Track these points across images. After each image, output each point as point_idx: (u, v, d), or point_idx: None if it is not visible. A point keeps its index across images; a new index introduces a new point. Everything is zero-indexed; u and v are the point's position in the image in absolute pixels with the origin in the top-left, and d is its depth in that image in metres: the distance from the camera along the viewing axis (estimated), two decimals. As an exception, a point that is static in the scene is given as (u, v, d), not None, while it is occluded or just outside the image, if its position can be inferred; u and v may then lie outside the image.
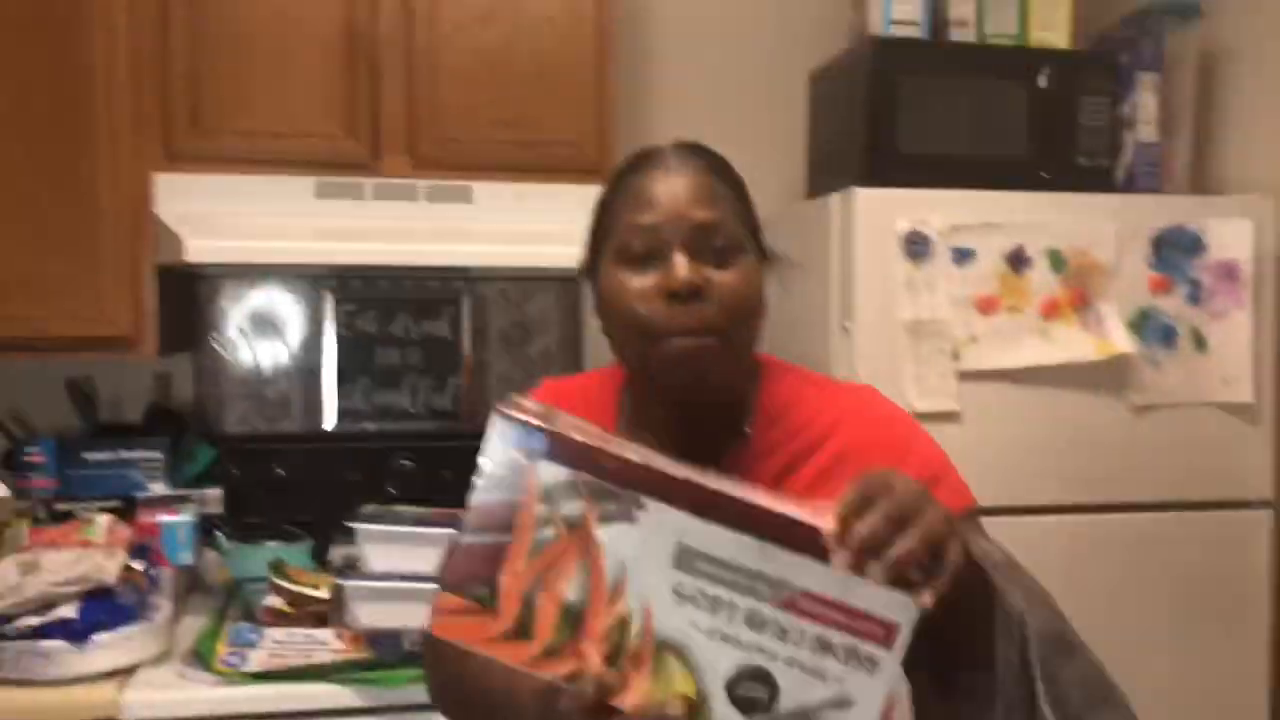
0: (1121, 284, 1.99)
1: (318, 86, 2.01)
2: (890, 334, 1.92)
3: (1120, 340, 1.96)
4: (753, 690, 0.72)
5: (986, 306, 1.94)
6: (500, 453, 0.73)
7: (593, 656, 0.72)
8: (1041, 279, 1.96)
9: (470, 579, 0.74)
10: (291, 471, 2.29)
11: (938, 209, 1.94)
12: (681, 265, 0.98)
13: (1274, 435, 2.05)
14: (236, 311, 2.37)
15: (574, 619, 0.72)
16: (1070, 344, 1.96)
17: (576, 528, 0.73)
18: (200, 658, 1.72)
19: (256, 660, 1.68)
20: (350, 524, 1.74)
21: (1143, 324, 2.00)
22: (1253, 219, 2.03)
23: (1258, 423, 2.04)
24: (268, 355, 2.39)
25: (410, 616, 1.70)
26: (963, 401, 1.93)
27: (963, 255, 1.93)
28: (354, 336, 2.43)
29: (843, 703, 0.71)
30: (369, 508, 1.82)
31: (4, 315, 1.90)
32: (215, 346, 2.37)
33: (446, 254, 2.04)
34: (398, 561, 1.72)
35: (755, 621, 0.72)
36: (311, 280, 2.40)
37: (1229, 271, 2.01)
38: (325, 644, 1.71)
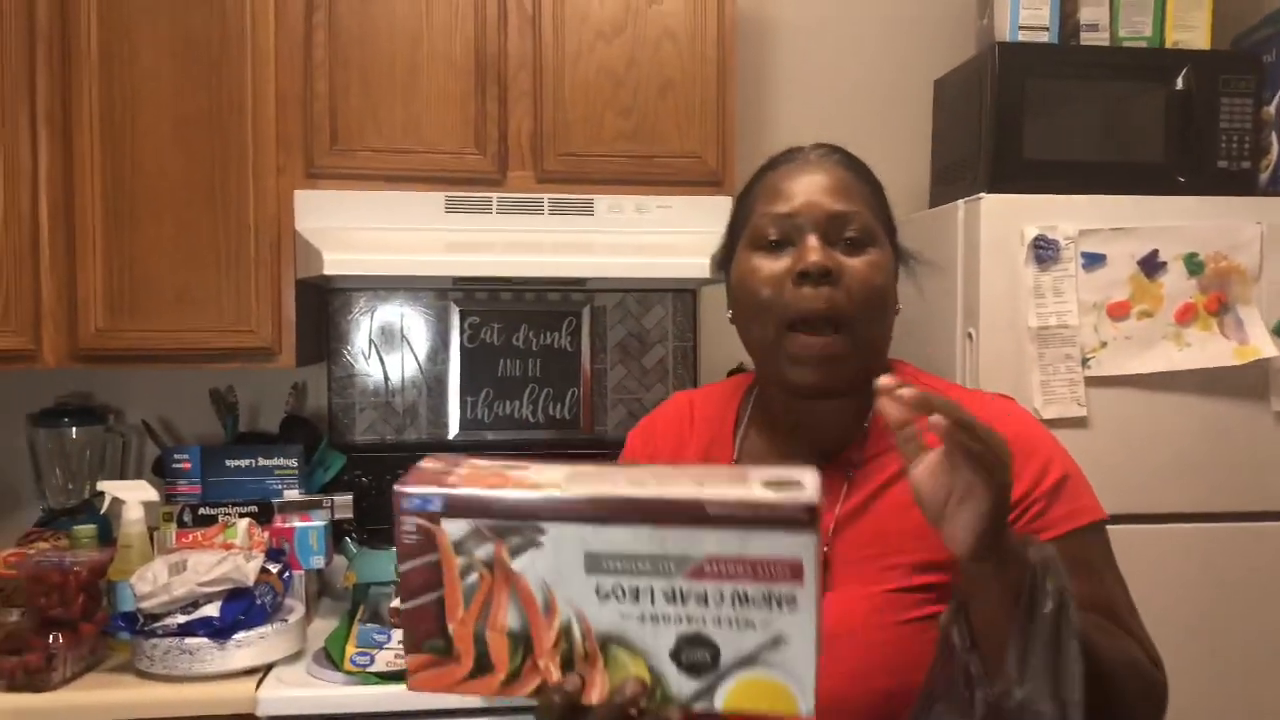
0: (1264, 289, 1.92)
1: (448, 105, 2.08)
2: (1016, 340, 1.88)
3: (1262, 345, 1.89)
4: (695, 655, 0.78)
5: (1117, 311, 1.89)
6: (409, 524, 0.79)
7: (550, 669, 0.79)
8: (1176, 283, 1.90)
9: (426, 636, 0.80)
10: (418, 479, 2.34)
11: (1066, 214, 1.89)
12: (814, 248, 0.99)
13: None
14: (367, 324, 2.46)
15: (522, 642, 0.79)
16: (1207, 349, 1.90)
17: (494, 567, 0.79)
18: (330, 657, 1.78)
19: (383, 660, 1.73)
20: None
21: (1287, 330, 1.92)
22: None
23: None
24: (396, 366, 2.47)
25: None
26: (1092, 408, 1.89)
27: (1092, 260, 1.88)
28: (478, 348, 2.49)
29: (777, 641, 0.77)
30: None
31: (159, 327, 2.01)
32: (347, 358, 2.46)
33: (568, 265, 2.07)
34: (518, 566, 1.74)
35: (675, 596, 0.78)
36: (438, 293, 2.48)
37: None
38: (450, 645, 1.74)
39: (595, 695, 0.78)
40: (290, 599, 1.91)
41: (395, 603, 1.82)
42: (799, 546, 0.75)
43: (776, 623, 0.77)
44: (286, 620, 1.82)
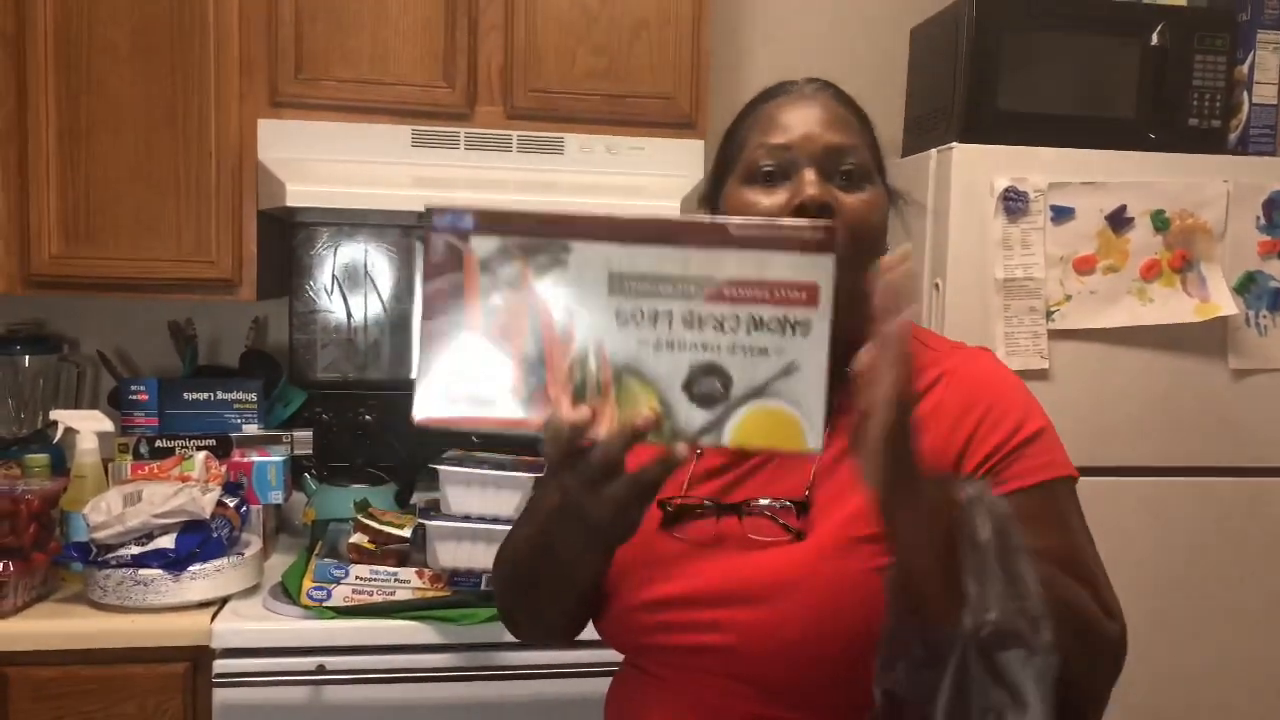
0: (1228, 247, 1.93)
1: (417, 36, 2.03)
2: (982, 292, 1.89)
3: (1223, 302, 1.91)
4: (707, 385, 0.77)
5: (1083, 265, 1.89)
6: (437, 243, 0.78)
7: (561, 399, 0.77)
8: (1143, 239, 1.91)
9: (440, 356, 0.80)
10: (378, 417, 2.33)
11: (1038, 166, 1.89)
12: (811, 182, 0.97)
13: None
14: (331, 259, 2.42)
15: (537, 369, 0.78)
16: (1169, 305, 1.91)
17: (518, 287, 0.78)
18: (287, 591, 1.77)
19: (340, 595, 1.73)
20: (433, 467, 1.77)
21: (1248, 287, 1.95)
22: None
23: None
24: (359, 304, 2.44)
25: (489, 557, 1.72)
26: (1055, 361, 1.90)
27: (1061, 214, 1.88)
28: (443, 287, 2.45)
29: (789, 370, 0.77)
30: (451, 452, 1.85)
31: (116, 255, 1.97)
32: (309, 293, 2.42)
33: (536, 205, 2.04)
34: (478, 504, 1.75)
35: (692, 321, 0.77)
36: (403, 230, 2.44)
37: (1343, 236, 1.93)
38: (406, 582, 1.74)
39: (603, 429, 0.77)
40: (247, 533, 1.90)
41: (354, 539, 1.81)
42: (817, 269, 0.77)
43: (789, 350, 0.77)
44: (243, 554, 1.81)
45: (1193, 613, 1.99)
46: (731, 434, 0.77)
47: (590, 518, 0.81)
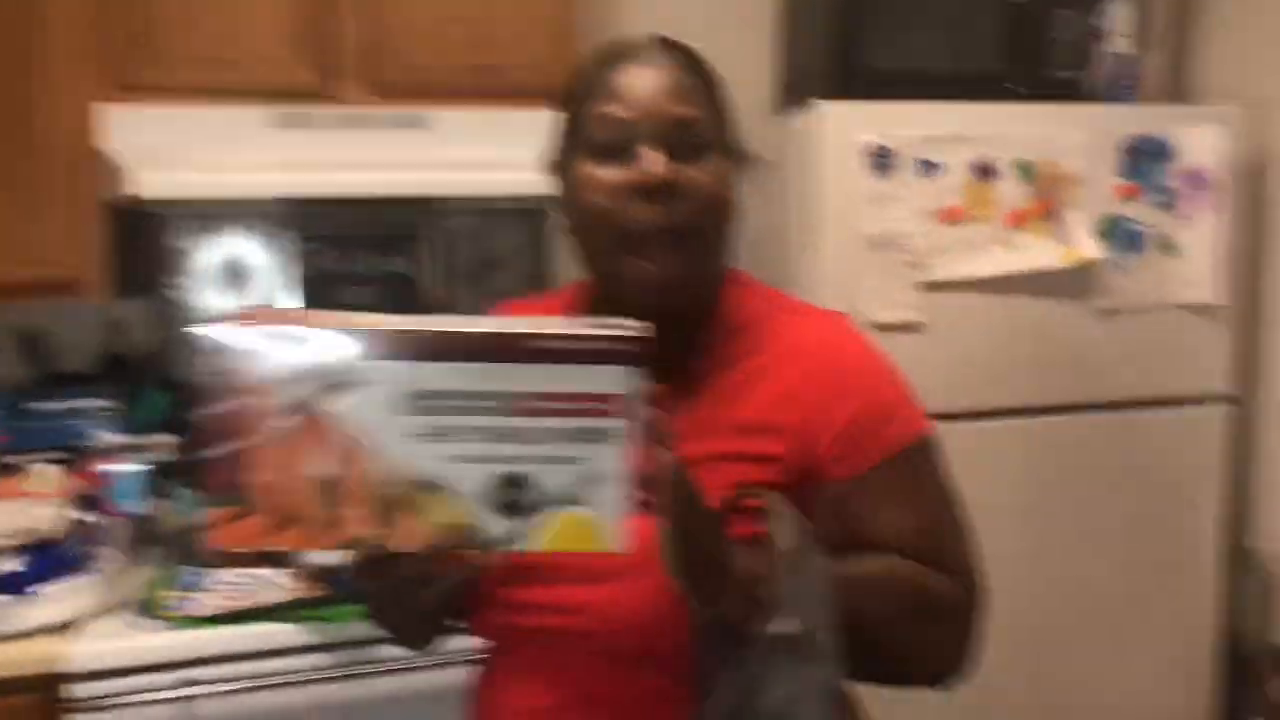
0: (1090, 193, 1.97)
1: (272, 11, 1.93)
2: (853, 249, 1.89)
3: (1087, 247, 1.96)
4: (511, 495, 0.77)
5: (951, 217, 1.91)
6: (210, 364, 0.75)
7: (359, 518, 0.76)
8: (1010, 190, 1.93)
9: (227, 488, 0.76)
10: (251, 416, 2.23)
11: (905, 122, 1.89)
12: (655, 160, 0.93)
13: (1232, 334, 2.10)
14: (193, 252, 2.31)
15: (330, 491, 0.76)
16: (1037, 252, 1.94)
17: (309, 409, 0.76)
18: (148, 605, 1.68)
19: (206, 603, 1.64)
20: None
21: (1111, 231, 1.99)
22: (1224, 127, 2.01)
23: (1218, 321, 2.08)
24: (224, 297, 2.33)
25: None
26: (929, 312, 1.92)
27: (929, 168, 1.89)
28: (315, 275, 2.36)
29: (594, 478, 0.77)
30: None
31: (-58, 260, 1.83)
32: (170, 289, 2.30)
33: (404, 183, 1.98)
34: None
35: (495, 435, 0.77)
36: (270, 219, 2.33)
37: (1198, 178, 2.00)
38: (275, 584, 1.67)
39: (404, 542, 0.76)
40: (106, 549, 1.79)
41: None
42: (614, 379, 0.76)
43: (592, 458, 0.77)
44: (100, 571, 1.71)
45: (1062, 543, 2.06)
46: (539, 540, 0.77)
47: (401, 622, 0.92)
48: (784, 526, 0.87)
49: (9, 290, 1.88)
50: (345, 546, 0.78)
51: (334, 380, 0.75)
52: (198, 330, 0.74)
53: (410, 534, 0.76)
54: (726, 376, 0.99)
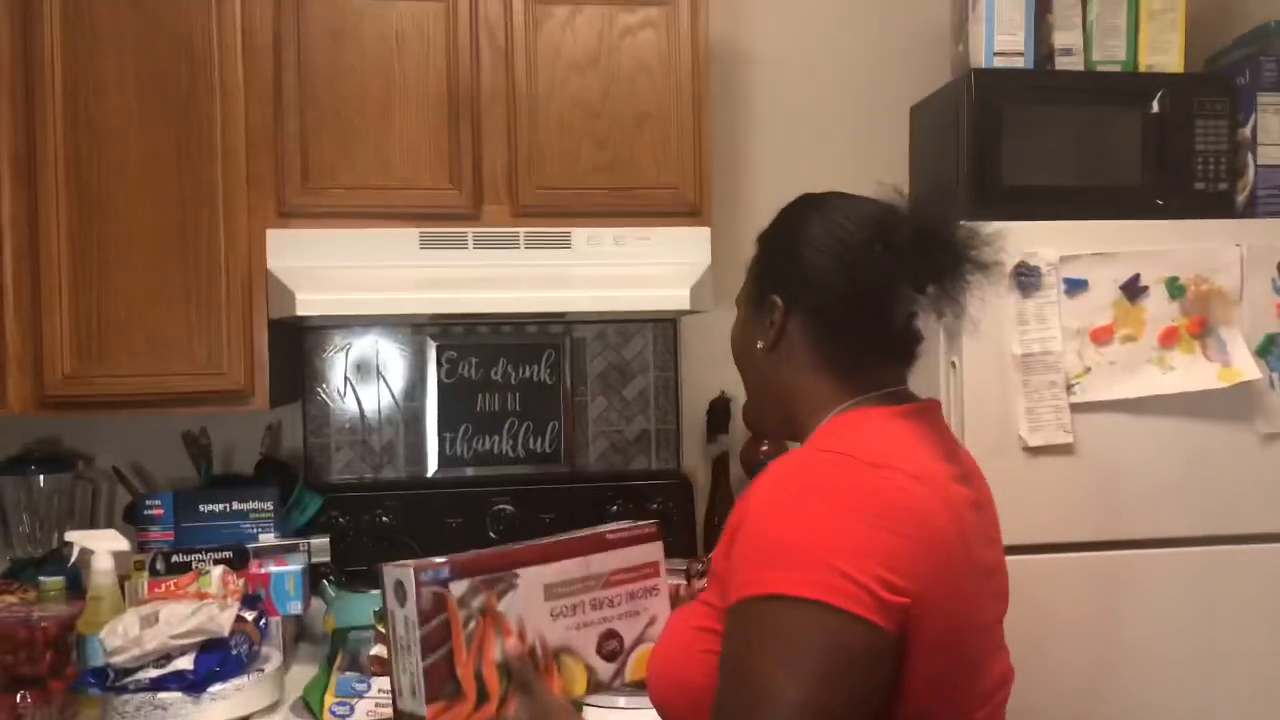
0: (1246, 310, 1.92)
1: (421, 140, 2.05)
2: (1000, 368, 1.87)
3: (1246, 367, 1.89)
4: (610, 645, 1.21)
5: (1101, 337, 1.88)
6: (425, 594, 1.08)
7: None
8: (1159, 307, 1.89)
9: (441, 685, 1.08)
10: (395, 518, 2.31)
11: (1047, 240, 1.88)
12: None
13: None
14: (342, 362, 2.42)
15: (509, 671, 1.12)
16: (1191, 372, 1.89)
17: (486, 612, 1.12)
18: (309, 708, 1.73)
19: (363, 710, 1.68)
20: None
21: (1270, 350, 1.93)
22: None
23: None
24: (372, 404, 2.43)
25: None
26: (1078, 434, 1.88)
27: (1074, 286, 1.87)
28: (455, 383, 2.46)
29: (653, 622, 1.24)
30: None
31: (128, 372, 1.97)
32: (322, 396, 2.42)
33: (546, 300, 2.05)
34: (502, 609, 1.71)
35: (597, 605, 1.21)
36: (415, 329, 2.45)
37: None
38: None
39: (556, 691, 1.16)
40: (267, 647, 1.86)
41: (376, 650, 1.78)
42: (655, 552, 1.27)
43: (651, 607, 1.25)
44: (263, 670, 1.77)
45: (1232, 685, 1.93)
46: (629, 673, 1.22)
47: None
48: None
49: (186, 399, 2.00)
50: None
51: (501, 586, 1.13)
52: (413, 568, 1.07)
53: (558, 687, 1.16)
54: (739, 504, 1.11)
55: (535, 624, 1.14)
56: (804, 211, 1.19)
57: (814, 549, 0.95)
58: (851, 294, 1.11)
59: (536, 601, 1.14)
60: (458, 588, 1.09)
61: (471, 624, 1.09)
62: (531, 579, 1.14)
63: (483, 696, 1.09)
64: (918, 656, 0.97)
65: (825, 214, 1.16)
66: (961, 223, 1.11)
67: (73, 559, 1.96)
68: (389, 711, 1.68)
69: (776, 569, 0.96)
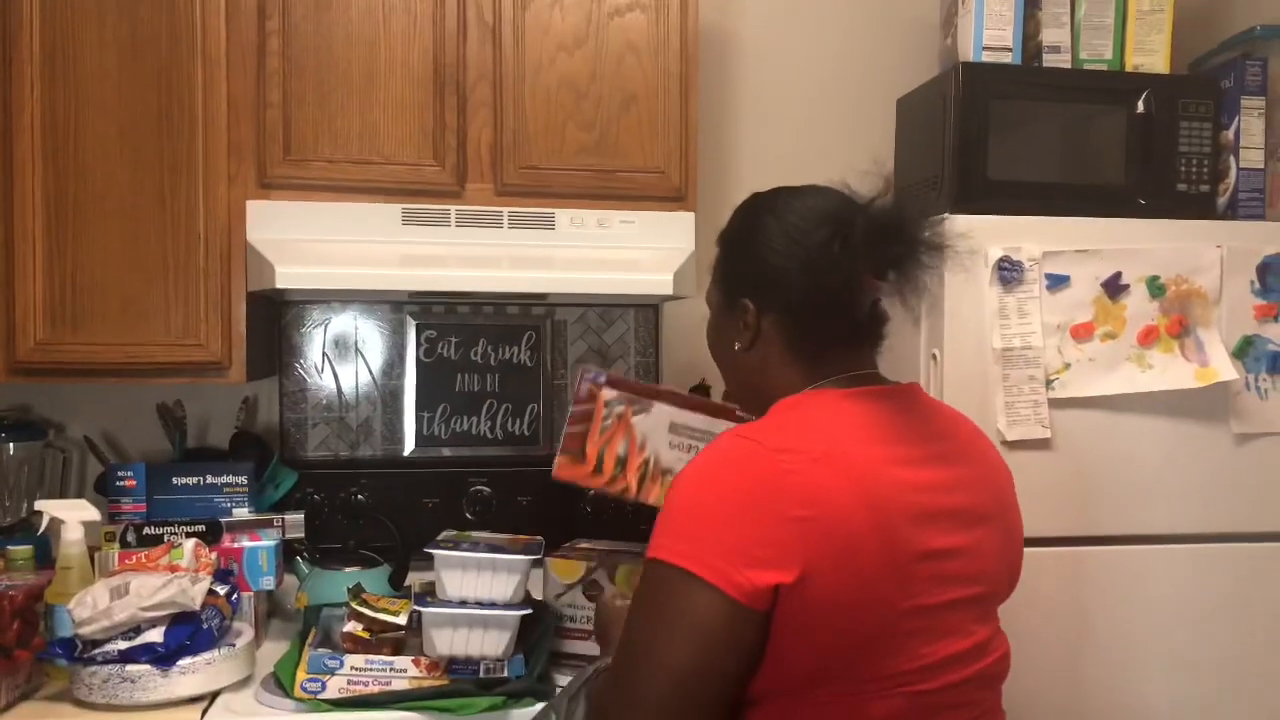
0: (1224, 312, 1.93)
1: (406, 115, 2.03)
2: (980, 362, 1.87)
3: (1222, 367, 1.90)
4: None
5: (1081, 333, 1.89)
6: (583, 386, 1.63)
7: (632, 479, 1.62)
8: (1139, 306, 1.91)
9: (572, 448, 1.63)
10: (370, 496, 2.30)
11: (1030, 235, 1.89)
12: None
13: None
14: (321, 337, 2.40)
15: (622, 462, 1.61)
16: (1169, 371, 1.90)
17: (622, 418, 1.61)
18: (280, 683, 1.72)
19: (335, 687, 1.68)
20: (428, 550, 1.73)
21: (1246, 351, 1.94)
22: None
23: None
24: (350, 381, 2.42)
25: (486, 643, 1.68)
26: (1056, 429, 1.89)
27: (1056, 282, 1.88)
28: (434, 363, 2.44)
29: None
30: (446, 534, 1.81)
31: (103, 340, 1.94)
32: (299, 372, 2.40)
33: (528, 280, 2.03)
34: (473, 588, 1.70)
35: (694, 449, 1.59)
36: (394, 306, 2.43)
37: (1340, 299, 1.93)
38: (403, 671, 1.70)
39: (651, 497, 1.61)
40: (239, 622, 1.85)
41: (348, 627, 1.77)
42: (730, 422, 1.59)
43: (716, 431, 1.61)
44: (234, 645, 1.76)
45: (1201, 680, 1.95)
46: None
47: None
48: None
49: (162, 369, 1.98)
50: (620, 493, 1.62)
51: (638, 407, 1.61)
52: (586, 367, 1.65)
53: (655, 492, 1.60)
54: None
55: (654, 444, 1.60)
56: (757, 213, 1.25)
57: (693, 523, 1.08)
58: (816, 292, 1.19)
59: (661, 430, 1.59)
60: (608, 393, 1.61)
61: (608, 420, 1.59)
62: (663, 412, 1.61)
63: (598, 469, 1.60)
64: (794, 632, 1.04)
65: (778, 216, 1.22)
66: (907, 207, 1.17)
67: (42, 528, 1.93)
68: (361, 689, 1.69)
69: (664, 536, 1.10)
